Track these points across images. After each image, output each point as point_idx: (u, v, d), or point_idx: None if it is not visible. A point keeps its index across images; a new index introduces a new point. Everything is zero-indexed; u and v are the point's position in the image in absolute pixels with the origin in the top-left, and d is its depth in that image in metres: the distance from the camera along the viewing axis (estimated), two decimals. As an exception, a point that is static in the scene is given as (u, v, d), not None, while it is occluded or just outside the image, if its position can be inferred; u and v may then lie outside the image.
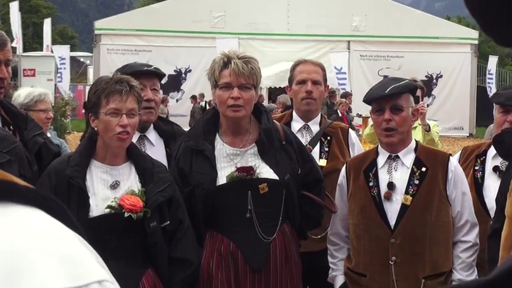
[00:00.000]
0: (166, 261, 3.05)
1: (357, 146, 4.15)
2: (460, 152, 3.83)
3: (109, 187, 3.00)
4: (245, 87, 3.22)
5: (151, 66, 3.69)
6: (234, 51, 3.31)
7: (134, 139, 3.25)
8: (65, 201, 2.89)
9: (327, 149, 4.03)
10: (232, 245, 3.21)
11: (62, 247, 0.70)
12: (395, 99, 3.26)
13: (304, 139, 4.02)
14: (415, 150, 3.35)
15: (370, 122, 4.00)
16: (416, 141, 3.43)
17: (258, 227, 3.20)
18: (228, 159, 3.28)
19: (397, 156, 3.33)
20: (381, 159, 3.36)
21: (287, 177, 3.28)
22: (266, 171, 3.25)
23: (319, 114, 4.16)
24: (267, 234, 3.23)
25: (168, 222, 3.05)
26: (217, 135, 3.34)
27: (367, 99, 3.35)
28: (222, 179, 3.23)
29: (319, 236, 3.84)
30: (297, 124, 4.10)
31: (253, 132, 3.34)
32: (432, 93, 25.76)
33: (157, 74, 3.65)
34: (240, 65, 3.20)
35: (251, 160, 3.28)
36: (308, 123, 4.10)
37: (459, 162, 3.63)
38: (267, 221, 3.24)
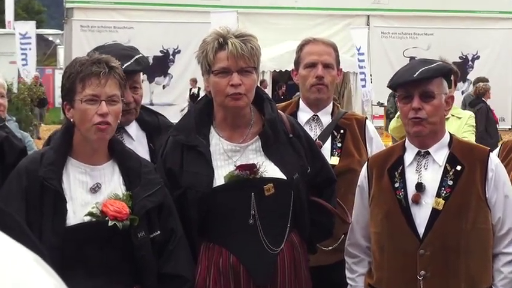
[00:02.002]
0: (155, 278, 3.06)
1: (376, 141, 4.14)
2: (498, 148, 3.83)
3: (88, 190, 3.01)
4: (246, 71, 3.22)
5: (134, 53, 3.55)
6: (227, 29, 3.29)
7: None
8: (38, 207, 2.91)
9: (339, 145, 4.02)
10: (233, 258, 3.22)
11: (15, 272, 0.70)
12: (425, 84, 3.27)
13: (313, 132, 4.02)
14: (449, 145, 3.36)
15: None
16: (451, 135, 3.44)
17: (263, 235, 3.21)
18: (226, 157, 3.29)
19: (428, 153, 3.34)
20: (409, 156, 3.37)
21: (296, 177, 3.29)
22: (271, 170, 3.26)
23: (331, 103, 4.15)
24: (274, 245, 3.24)
25: (158, 232, 3.06)
26: (211, 128, 3.34)
27: (393, 84, 3.36)
28: (219, 180, 3.23)
29: (330, 248, 3.85)
30: (304, 115, 4.09)
31: (254, 124, 3.35)
32: (468, 77, 25.73)
33: (136, 72, 3.54)
34: (238, 45, 3.19)
35: (253, 157, 3.29)
36: (318, 114, 4.09)
37: (498, 159, 3.64)
38: (273, 228, 3.25)
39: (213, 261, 3.23)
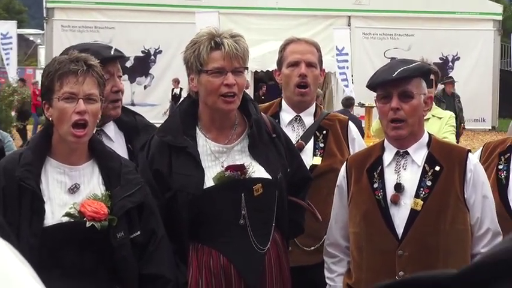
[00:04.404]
0: (136, 280, 3.04)
1: (358, 142, 4.15)
2: (481, 149, 3.85)
3: (67, 191, 2.99)
4: (238, 71, 3.25)
5: (111, 47, 3.62)
6: (216, 29, 3.30)
7: None
8: (16, 207, 2.89)
9: (322, 145, 4.03)
10: (223, 259, 3.22)
11: None
12: (404, 84, 3.28)
13: (296, 133, 4.03)
14: (428, 145, 3.37)
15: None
16: (430, 135, 3.45)
17: (252, 235, 3.23)
18: (213, 157, 3.29)
19: (407, 153, 3.35)
20: (388, 156, 3.37)
21: (280, 176, 3.32)
22: (258, 170, 3.28)
23: (314, 104, 4.16)
24: (261, 244, 3.27)
25: (139, 232, 3.04)
26: (197, 129, 3.34)
27: (371, 84, 3.36)
28: (208, 181, 3.23)
29: (312, 248, 3.87)
30: (287, 115, 4.10)
31: (238, 125, 3.37)
32: (448, 78, 25.84)
33: (122, 58, 3.64)
34: (233, 45, 3.21)
35: (239, 158, 3.31)
36: (300, 115, 4.09)
37: (480, 160, 3.65)
38: (261, 228, 3.28)
39: (203, 262, 3.23)
